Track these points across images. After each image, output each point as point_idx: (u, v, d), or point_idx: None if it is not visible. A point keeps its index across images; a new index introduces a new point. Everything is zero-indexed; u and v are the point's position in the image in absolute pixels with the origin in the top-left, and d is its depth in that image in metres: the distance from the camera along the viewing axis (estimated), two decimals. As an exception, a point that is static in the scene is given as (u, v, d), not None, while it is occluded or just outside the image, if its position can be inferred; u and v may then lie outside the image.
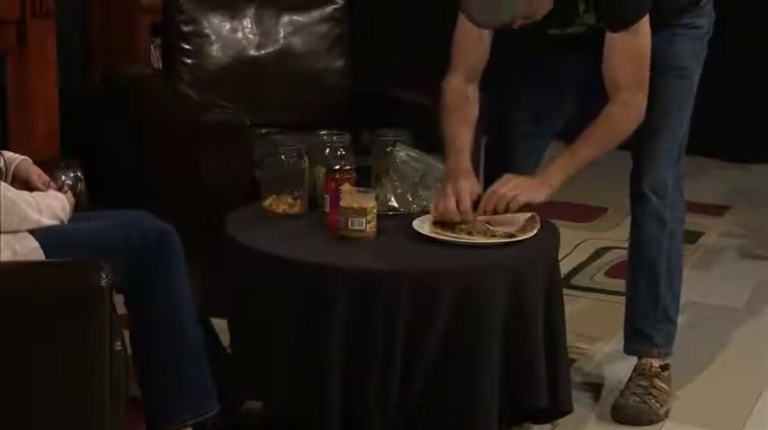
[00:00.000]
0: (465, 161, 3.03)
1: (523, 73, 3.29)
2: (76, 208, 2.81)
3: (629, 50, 2.95)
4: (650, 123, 3.08)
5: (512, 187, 2.95)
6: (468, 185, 2.96)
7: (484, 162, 3.34)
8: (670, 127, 3.16)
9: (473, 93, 3.12)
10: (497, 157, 3.28)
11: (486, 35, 3.06)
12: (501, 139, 3.29)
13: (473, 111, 3.12)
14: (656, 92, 3.05)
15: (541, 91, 3.24)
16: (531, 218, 2.91)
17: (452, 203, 2.91)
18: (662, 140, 3.15)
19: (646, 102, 2.99)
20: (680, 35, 3.13)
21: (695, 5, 3.14)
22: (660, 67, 3.05)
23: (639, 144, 3.15)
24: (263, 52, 4.18)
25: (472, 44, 3.08)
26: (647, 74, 2.98)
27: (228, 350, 2.98)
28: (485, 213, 2.93)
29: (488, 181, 3.09)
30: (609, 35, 2.95)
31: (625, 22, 2.93)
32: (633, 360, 3.31)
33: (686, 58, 3.15)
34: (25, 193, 2.68)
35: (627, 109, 2.99)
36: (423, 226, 2.91)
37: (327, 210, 2.97)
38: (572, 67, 3.19)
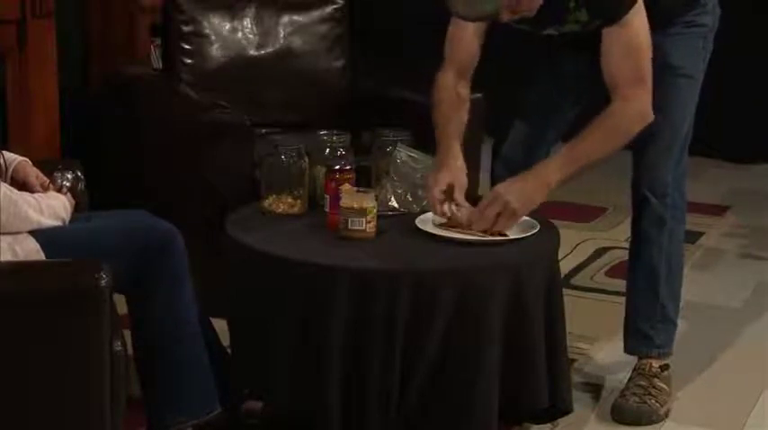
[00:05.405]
0: (456, 148, 3.01)
1: (530, 74, 3.27)
2: (76, 208, 2.80)
3: (624, 44, 2.88)
4: (650, 123, 3.06)
5: (503, 204, 2.85)
6: (454, 176, 2.94)
7: (491, 165, 3.32)
8: (671, 127, 3.13)
9: (464, 89, 3.11)
10: (506, 159, 3.25)
11: (480, 33, 3.06)
12: (510, 141, 3.27)
13: (464, 108, 3.10)
14: (656, 91, 3.03)
15: (548, 91, 3.22)
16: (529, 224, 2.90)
17: (436, 192, 2.90)
18: (662, 140, 3.13)
19: (650, 98, 2.92)
20: (681, 33, 3.10)
21: (696, 2, 3.11)
22: (661, 66, 3.03)
23: (639, 144, 3.12)
24: (263, 52, 4.18)
25: (465, 41, 3.07)
26: (649, 69, 2.91)
27: (228, 350, 2.98)
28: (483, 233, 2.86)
29: (496, 183, 3.07)
30: (604, 30, 2.90)
31: (613, 16, 2.87)
32: (633, 360, 3.31)
33: (688, 56, 3.12)
34: (26, 194, 2.68)
35: (626, 104, 2.90)
36: (425, 223, 2.91)
37: (327, 210, 2.97)
38: (576, 67, 3.17)
